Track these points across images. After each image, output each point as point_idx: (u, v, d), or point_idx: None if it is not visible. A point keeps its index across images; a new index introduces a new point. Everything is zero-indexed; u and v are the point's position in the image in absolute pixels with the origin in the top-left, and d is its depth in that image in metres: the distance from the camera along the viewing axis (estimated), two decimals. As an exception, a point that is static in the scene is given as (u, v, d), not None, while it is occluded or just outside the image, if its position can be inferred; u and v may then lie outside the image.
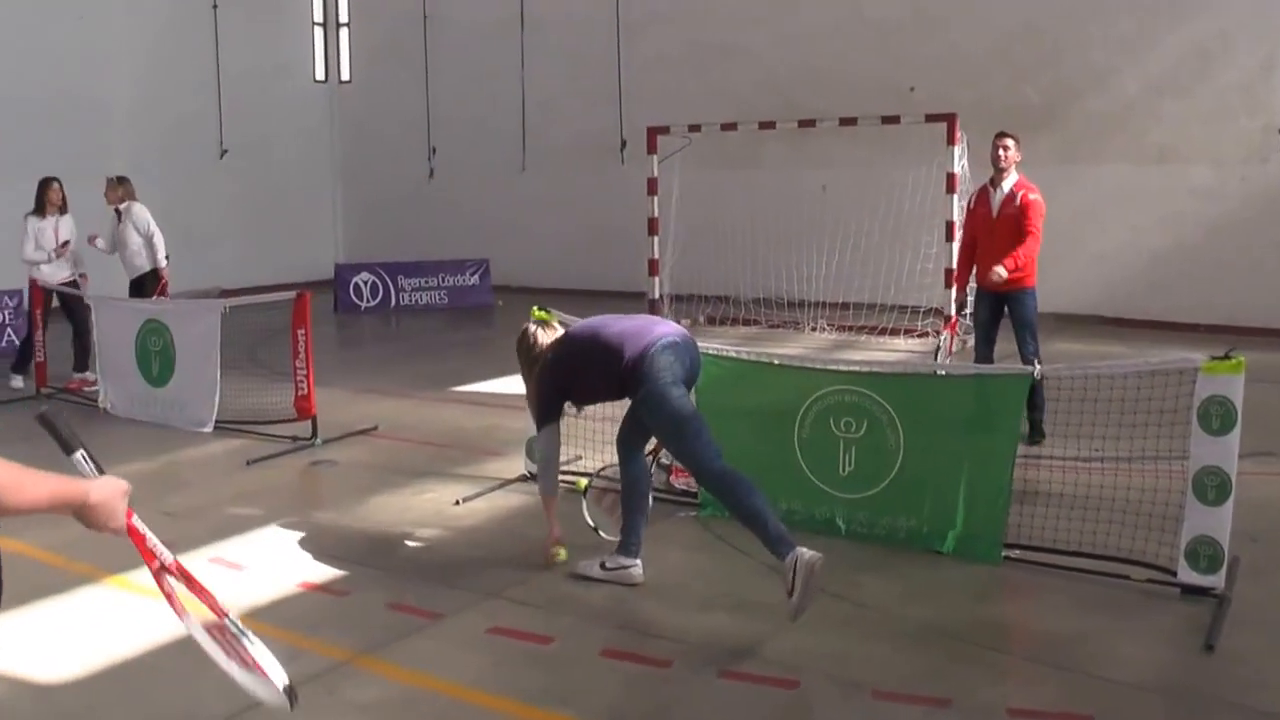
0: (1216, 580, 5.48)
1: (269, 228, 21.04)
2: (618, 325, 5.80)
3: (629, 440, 5.98)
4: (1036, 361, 7.32)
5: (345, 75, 22.65)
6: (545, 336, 6.10)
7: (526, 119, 20.61)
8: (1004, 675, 4.80)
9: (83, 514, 2.47)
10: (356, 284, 18.19)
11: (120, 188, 12.07)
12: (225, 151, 20.53)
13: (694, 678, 4.76)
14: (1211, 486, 5.47)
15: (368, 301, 18.22)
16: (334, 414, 9.64)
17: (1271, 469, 7.54)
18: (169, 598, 2.80)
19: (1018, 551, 6.03)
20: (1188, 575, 5.53)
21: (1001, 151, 8.77)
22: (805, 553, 4.95)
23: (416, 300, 18.61)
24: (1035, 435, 8.30)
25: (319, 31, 22.33)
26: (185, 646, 5.15)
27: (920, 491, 6.25)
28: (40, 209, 11.79)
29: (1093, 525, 6.00)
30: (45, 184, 11.85)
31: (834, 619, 5.38)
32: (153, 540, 2.73)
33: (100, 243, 12.27)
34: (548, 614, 5.46)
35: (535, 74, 20.38)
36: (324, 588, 5.90)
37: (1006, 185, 8.77)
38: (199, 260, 17.93)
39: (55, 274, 11.79)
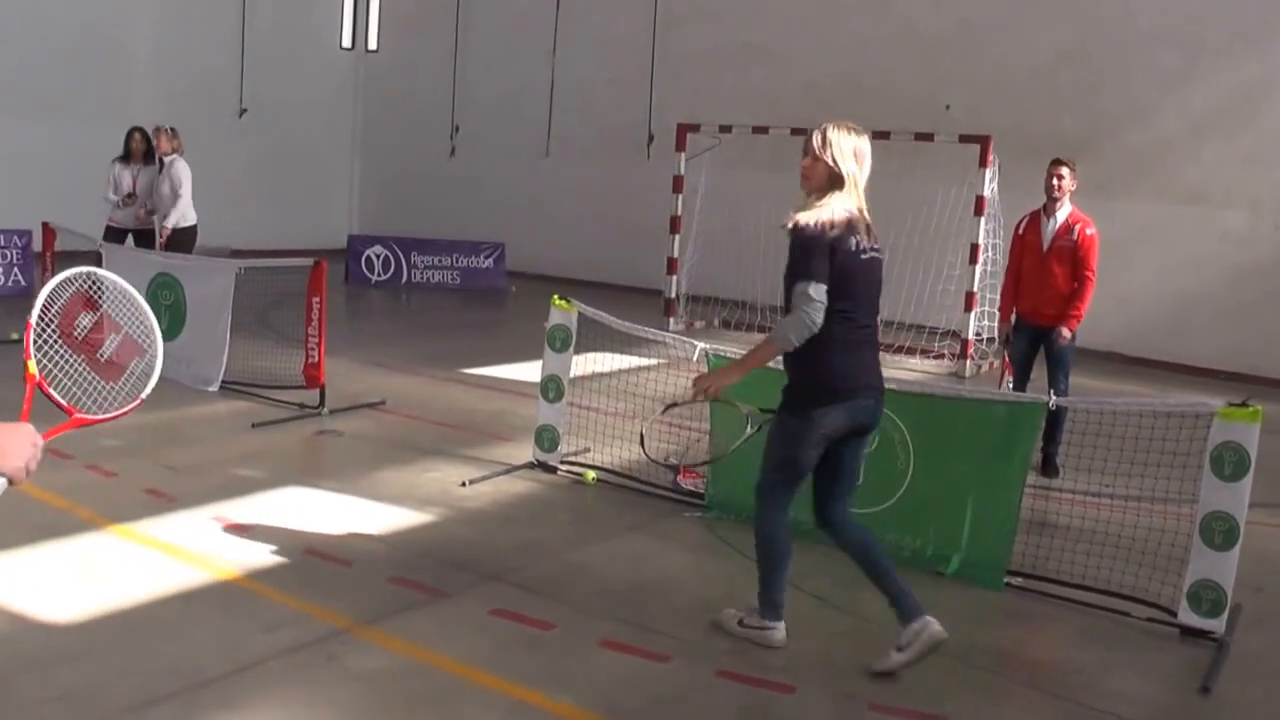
0: (1217, 625, 5.61)
1: (282, 192, 21.17)
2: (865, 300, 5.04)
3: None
4: (1052, 393, 7.39)
5: (373, 45, 22.76)
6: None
7: (554, 105, 20.72)
8: (999, 698, 4.94)
9: None
10: (369, 256, 18.31)
11: (173, 140, 12.56)
12: (244, 111, 20.66)
13: (692, 675, 4.90)
14: (1219, 531, 5.59)
15: (379, 275, 18.34)
16: (341, 385, 9.76)
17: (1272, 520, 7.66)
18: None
19: (1020, 580, 6.16)
20: (1189, 617, 5.65)
21: (1056, 180, 8.64)
22: (935, 626, 4.87)
23: (428, 278, 18.74)
24: (1049, 469, 8.38)
25: (350, -1, 22.49)
26: (187, 599, 5.34)
27: (927, 512, 6.38)
28: (125, 156, 12.76)
29: (1097, 560, 6.13)
30: (129, 134, 12.84)
31: (834, 631, 5.53)
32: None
33: (111, 195, 12.71)
34: (550, 601, 5.60)
35: (567, 60, 20.49)
36: (327, 556, 6.03)
37: (1061, 215, 8.66)
38: (208, 218, 18.02)
39: (127, 220, 12.71)
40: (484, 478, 7.65)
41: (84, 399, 3.16)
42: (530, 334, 13.32)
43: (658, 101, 19.54)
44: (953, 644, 5.41)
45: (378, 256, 18.39)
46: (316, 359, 9.18)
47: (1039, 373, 8.79)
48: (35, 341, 2.97)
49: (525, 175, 20.94)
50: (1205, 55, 14.89)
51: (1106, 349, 14.82)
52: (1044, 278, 8.60)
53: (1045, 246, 8.66)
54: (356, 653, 4.92)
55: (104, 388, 3.21)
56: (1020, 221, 9.11)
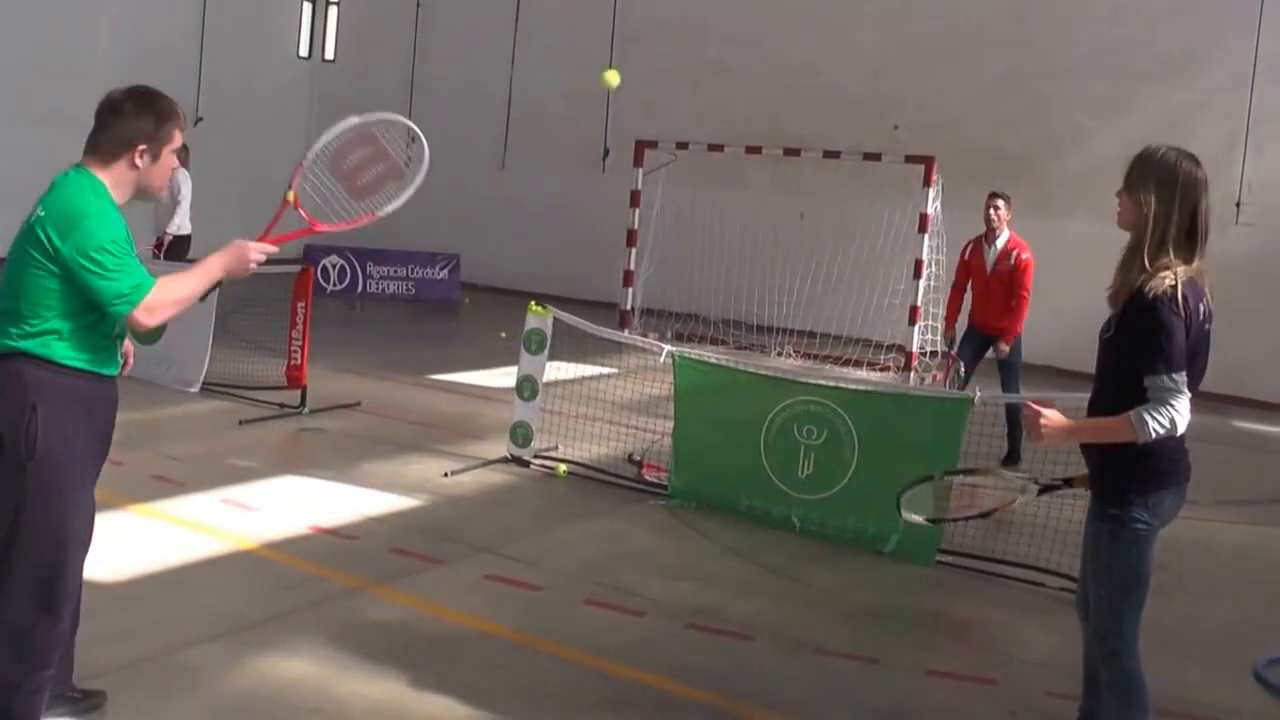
0: (1120, 594, 6.69)
1: (238, 200, 21.91)
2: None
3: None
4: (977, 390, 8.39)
5: (330, 55, 23.59)
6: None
7: (511, 117, 21.71)
8: (927, 646, 6.02)
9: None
10: (325, 266, 19.11)
11: (182, 153, 13.30)
12: (200, 119, 21.42)
13: (664, 626, 5.94)
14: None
15: (335, 285, 19.13)
16: (315, 388, 10.63)
17: (1193, 514, 8.78)
18: None
19: (950, 557, 7.24)
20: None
21: (993, 212, 10.16)
22: None
23: (383, 289, 19.61)
24: (1013, 458, 9.66)
25: (307, 7, 23.28)
26: (214, 563, 6.27)
27: (869, 497, 7.43)
28: None
29: (1015, 539, 7.22)
30: None
31: (785, 597, 6.60)
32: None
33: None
34: (537, 569, 6.61)
35: (524, 73, 21.48)
36: (332, 531, 7.00)
37: (1000, 243, 10.20)
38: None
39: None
40: (464, 469, 8.62)
41: (327, 213, 4.53)
42: (486, 343, 14.45)
43: (614, 116, 20.59)
44: (887, 607, 6.52)
45: (334, 266, 19.22)
46: (300, 360, 10.11)
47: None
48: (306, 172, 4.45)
49: (481, 187, 21.84)
50: (1137, 82, 16.20)
51: (1044, 362, 15.99)
52: (990, 297, 10.23)
53: (989, 269, 10.23)
54: (372, 606, 5.90)
55: (350, 205, 4.62)
56: (965, 247, 10.70)
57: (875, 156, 15.55)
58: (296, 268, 10.18)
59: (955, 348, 10.63)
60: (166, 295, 3.95)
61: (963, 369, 10.31)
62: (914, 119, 17.43)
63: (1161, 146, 4.39)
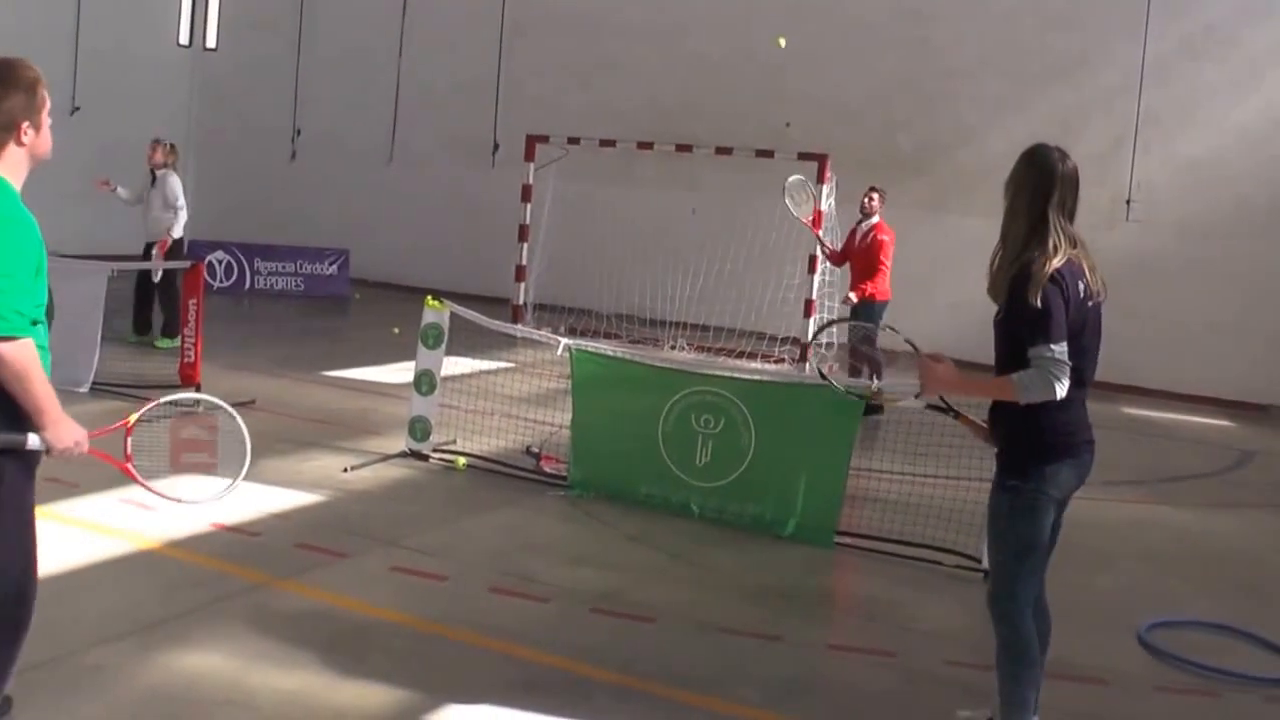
0: (1015, 568, 7.08)
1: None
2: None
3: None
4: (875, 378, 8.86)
5: (211, 43, 23.33)
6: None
7: (399, 109, 21.72)
8: (827, 623, 6.38)
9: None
10: (211, 262, 18.94)
11: (168, 155, 13.49)
12: (77, 109, 21.09)
13: (569, 611, 6.18)
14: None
15: (221, 281, 18.98)
16: (208, 385, 10.66)
17: (1085, 494, 9.24)
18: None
19: (849, 539, 7.58)
20: (988, 562, 7.11)
21: (867, 201, 12.44)
22: None
23: (272, 285, 19.51)
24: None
25: (187, -6, 23.04)
26: (118, 563, 6.34)
27: (766, 483, 7.76)
28: None
29: (913, 522, 7.58)
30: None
31: (687, 579, 6.88)
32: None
33: (122, 191, 13.76)
34: (441, 559, 6.79)
35: (412, 65, 21.50)
36: (235, 529, 7.10)
37: (865, 226, 12.46)
38: (41, 218, 18.49)
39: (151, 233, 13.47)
40: (364, 464, 8.75)
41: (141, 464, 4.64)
42: (378, 339, 14.53)
43: (503, 110, 20.73)
44: (788, 587, 6.82)
45: (220, 262, 19.06)
46: (193, 358, 10.14)
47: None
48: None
49: (369, 181, 21.85)
50: (1029, 83, 16.81)
51: (936, 350, 16.53)
52: (853, 268, 12.58)
53: (855, 244, 12.56)
54: (279, 600, 6.03)
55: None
56: (850, 229, 12.88)
57: (768, 153, 15.94)
58: (185, 264, 10.16)
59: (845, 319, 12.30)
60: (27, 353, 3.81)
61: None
62: (808, 117, 17.84)
63: (1035, 146, 4.77)
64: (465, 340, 9.76)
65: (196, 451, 5.20)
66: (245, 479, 8.07)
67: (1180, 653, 6.13)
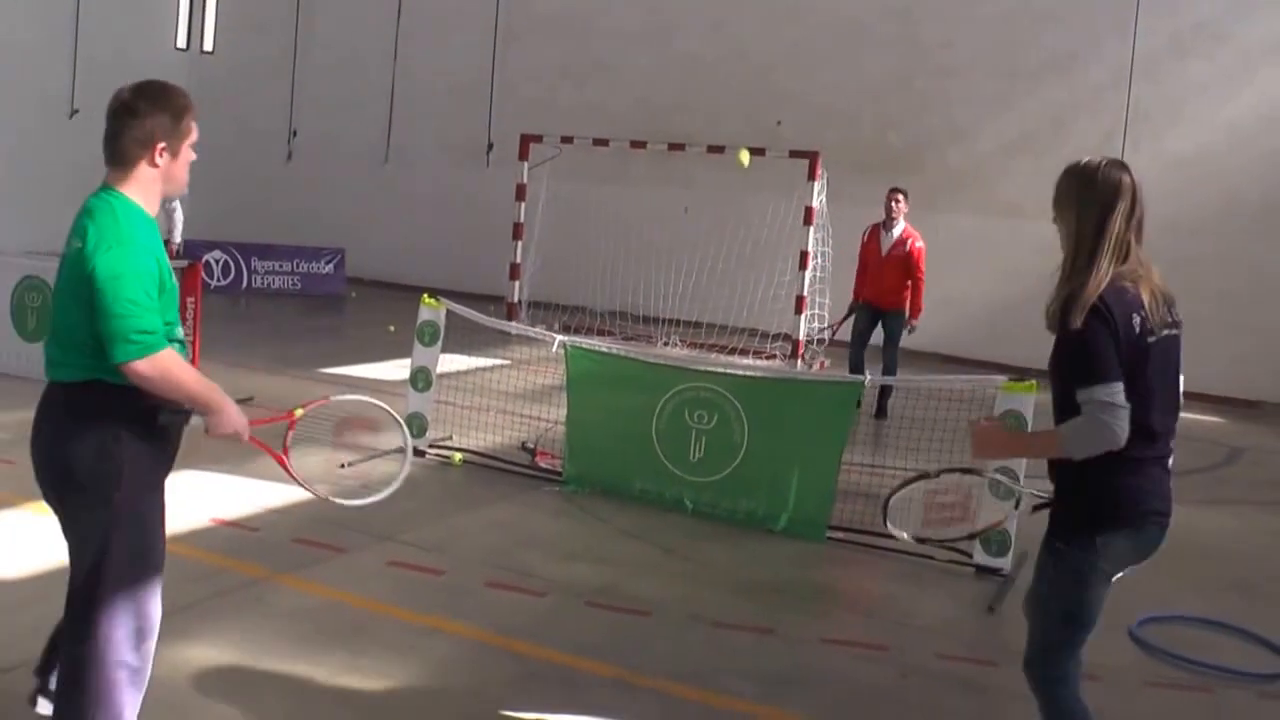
0: (1004, 563, 7.08)
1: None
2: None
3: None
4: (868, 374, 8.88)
5: (209, 46, 23.28)
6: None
7: (394, 111, 21.68)
8: (820, 617, 6.34)
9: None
10: (208, 262, 18.93)
11: None
12: (76, 112, 21.05)
13: (565, 604, 6.15)
14: (1003, 486, 7.03)
15: (218, 280, 18.96)
16: (207, 383, 10.64)
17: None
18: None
19: (841, 534, 7.56)
20: (981, 558, 7.11)
21: (894, 203, 11.83)
22: None
23: (269, 284, 19.49)
24: (881, 414, 11.36)
25: (185, -2, 22.99)
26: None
27: (759, 478, 7.73)
28: None
29: (903, 516, 7.56)
30: None
31: (679, 574, 6.85)
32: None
33: None
34: (436, 554, 6.76)
35: (408, 67, 21.49)
36: (234, 524, 7.07)
37: (896, 231, 11.81)
38: (39, 221, 18.51)
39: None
40: (361, 460, 8.71)
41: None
42: (374, 337, 14.48)
43: (497, 111, 20.70)
44: (781, 581, 6.80)
45: (217, 261, 19.04)
46: (191, 356, 10.05)
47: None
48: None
49: (364, 181, 21.82)
50: (1018, 82, 16.80)
51: (930, 349, 16.55)
52: (883, 278, 11.80)
53: (883, 254, 11.79)
54: (278, 595, 6.00)
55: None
56: (865, 232, 12.19)
57: (759, 151, 15.91)
58: (183, 263, 10.13)
59: (846, 314, 12.18)
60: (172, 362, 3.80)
61: (830, 334, 12.39)
62: (799, 115, 17.84)
63: (1080, 160, 4.06)
64: (461, 337, 9.73)
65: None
66: (245, 475, 8.18)
67: (1171, 648, 6.11)
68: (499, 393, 10.14)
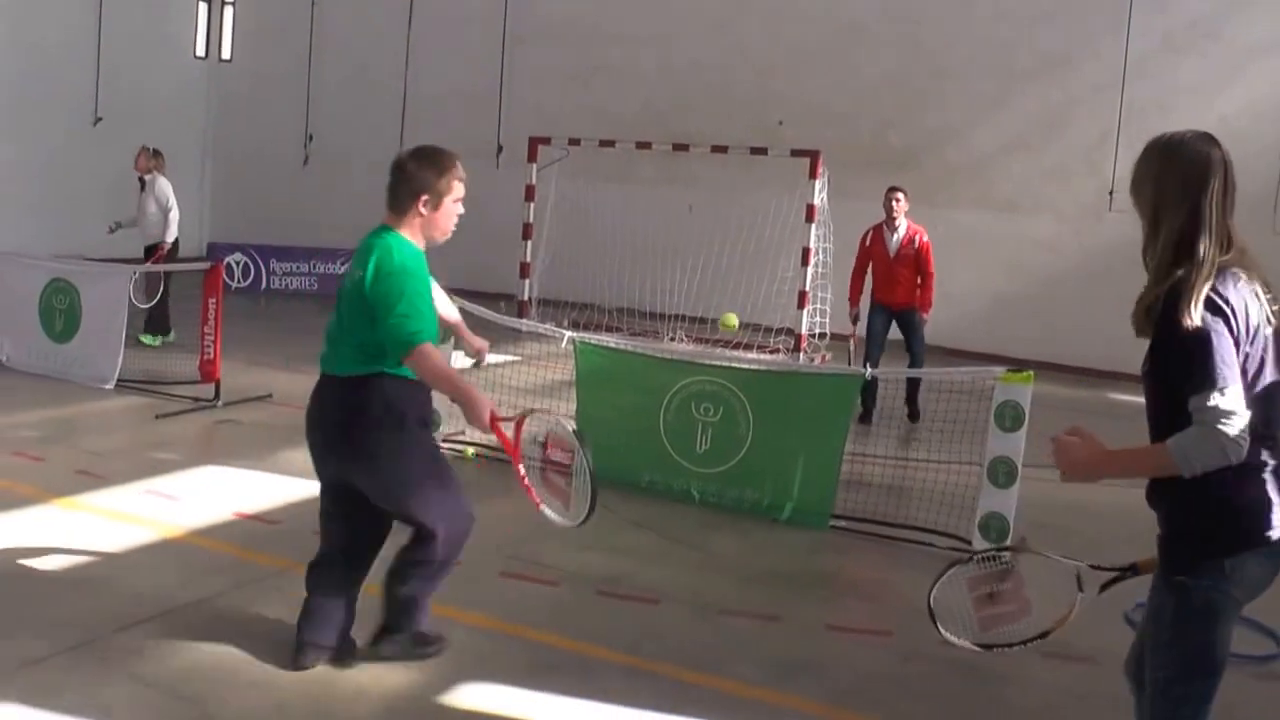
0: (1003, 549, 7.07)
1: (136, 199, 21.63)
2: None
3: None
4: (868, 366, 8.87)
5: (226, 54, 23.31)
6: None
7: (406, 116, 21.69)
8: (825, 603, 6.35)
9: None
10: (229, 264, 18.95)
11: (152, 160, 13.40)
12: (99, 119, 21.10)
13: (577, 593, 6.18)
14: (1002, 473, 7.09)
15: (239, 282, 18.96)
16: (227, 381, 10.66)
17: (1050, 477, 9.27)
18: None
19: (844, 522, 7.58)
20: (980, 543, 7.12)
21: (894, 203, 11.37)
22: None
23: (287, 285, 19.48)
24: (912, 417, 10.96)
25: (203, 7, 22.97)
26: (141, 551, 6.35)
27: (764, 469, 7.75)
28: None
29: (906, 505, 7.58)
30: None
31: (687, 563, 6.87)
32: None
33: (123, 220, 13.77)
34: (453, 545, 6.76)
35: (418, 72, 21.48)
36: (256, 517, 7.11)
37: (900, 230, 11.36)
38: (65, 225, 18.59)
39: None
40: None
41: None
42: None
43: (506, 115, 20.72)
44: (786, 569, 6.81)
45: (238, 264, 19.05)
46: (213, 355, 10.14)
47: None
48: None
49: (378, 183, 21.37)
50: (1014, 82, 16.77)
51: (931, 342, 16.49)
52: (895, 277, 11.37)
53: (892, 254, 11.36)
54: (299, 585, 5.96)
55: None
56: (866, 234, 11.67)
57: (761, 150, 15.91)
58: (205, 265, 10.18)
59: (857, 325, 11.53)
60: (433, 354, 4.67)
61: (853, 348, 11.32)
62: (799, 115, 17.82)
63: (1163, 135, 3.51)
64: (473, 334, 9.72)
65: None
66: (265, 470, 8.22)
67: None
68: (510, 388, 10.13)
